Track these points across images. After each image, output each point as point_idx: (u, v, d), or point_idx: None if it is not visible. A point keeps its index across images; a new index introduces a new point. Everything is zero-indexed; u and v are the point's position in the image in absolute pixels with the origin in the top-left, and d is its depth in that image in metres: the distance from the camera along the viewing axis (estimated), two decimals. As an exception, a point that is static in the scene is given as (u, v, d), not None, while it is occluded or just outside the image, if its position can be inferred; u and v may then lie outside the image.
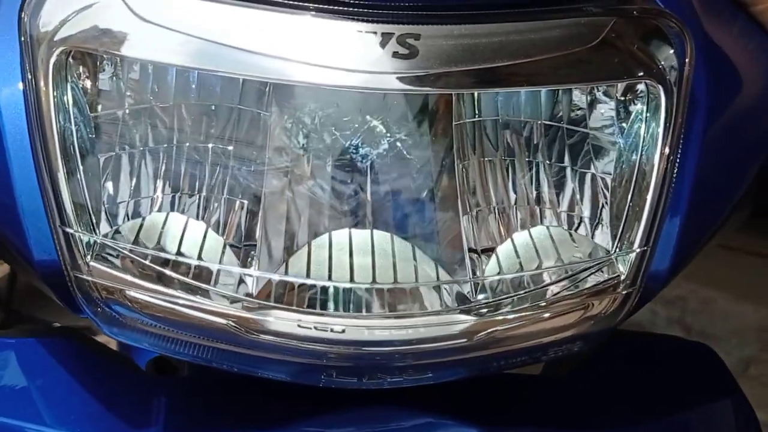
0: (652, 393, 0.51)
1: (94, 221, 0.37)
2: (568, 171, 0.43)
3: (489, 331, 0.36)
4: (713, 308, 2.98)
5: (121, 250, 0.36)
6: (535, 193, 0.43)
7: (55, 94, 0.36)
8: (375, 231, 0.40)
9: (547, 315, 0.37)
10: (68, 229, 0.36)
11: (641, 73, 0.39)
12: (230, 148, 0.41)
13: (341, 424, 0.41)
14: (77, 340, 0.49)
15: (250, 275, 0.37)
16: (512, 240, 0.40)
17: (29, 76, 0.36)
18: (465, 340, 0.36)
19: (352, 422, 0.42)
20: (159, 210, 0.40)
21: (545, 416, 0.47)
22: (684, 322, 3.00)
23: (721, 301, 2.97)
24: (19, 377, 0.46)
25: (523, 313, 0.37)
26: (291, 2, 0.34)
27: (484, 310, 0.37)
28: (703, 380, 0.55)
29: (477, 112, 0.44)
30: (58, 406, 0.44)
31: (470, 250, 0.39)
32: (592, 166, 0.42)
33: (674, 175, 0.39)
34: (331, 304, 0.37)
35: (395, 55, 0.34)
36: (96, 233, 0.36)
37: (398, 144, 0.41)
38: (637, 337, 0.58)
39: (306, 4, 0.34)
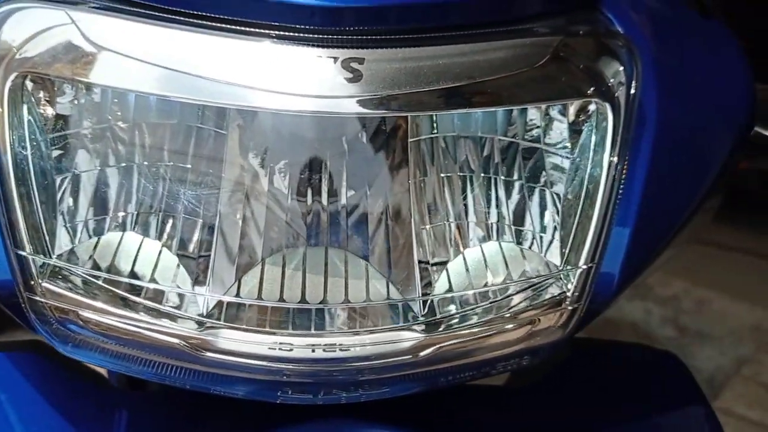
0: (617, 402, 0.52)
1: (48, 243, 0.37)
2: (524, 188, 0.43)
3: (436, 347, 0.37)
4: (708, 308, 2.99)
5: (74, 272, 0.37)
6: (490, 208, 0.43)
7: (9, 117, 0.37)
8: (330, 249, 0.41)
9: (493, 331, 0.38)
10: (21, 252, 0.36)
11: (589, 92, 0.39)
12: (188, 165, 0.42)
13: None
14: (44, 354, 0.50)
15: (202, 295, 0.38)
16: (463, 256, 0.41)
17: None
18: (411, 356, 0.37)
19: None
20: (117, 228, 0.41)
21: (508, 427, 0.48)
22: (678, 322, 3.01)
23: (715, 301, 2.98)
24: None
25: (470, 330, 0.37)
26: (232, 27, 0.34)
27: (431, 327, 0.37)
28: (670, 390, 0.55)
29: (434, 127, 0.44)
30: (22, 420, 0.44)
31: (422, 263, 0.40)
32: (546, 184, 0.42)
33: (620, 192, 0.39)
34: (283, 323, 0.37)
35: (349, 80, 0.35)
36: (50, 255, 0.37)
37: (354, 162, 0.42)
38: (603, 345, 0.59)
39: (247, 29, 0.34)
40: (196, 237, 0.41)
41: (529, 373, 0.55)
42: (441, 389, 0.51)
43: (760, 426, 2.34)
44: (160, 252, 0.40)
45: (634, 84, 0.40)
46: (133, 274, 0.38)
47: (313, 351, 0.36)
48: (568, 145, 0.41)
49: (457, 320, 0.38)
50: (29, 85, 0.38)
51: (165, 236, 0.41)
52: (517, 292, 0.38)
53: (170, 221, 0.41)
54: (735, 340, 2.86)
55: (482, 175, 0.44)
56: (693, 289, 3.03)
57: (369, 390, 0.38)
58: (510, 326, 0.38)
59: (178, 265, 0.39)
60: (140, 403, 0.48)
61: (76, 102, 0.40)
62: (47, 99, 0.39)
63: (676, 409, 0.53)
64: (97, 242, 0.40)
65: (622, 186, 0.39)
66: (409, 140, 0.43)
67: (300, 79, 0.35)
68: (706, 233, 3.75)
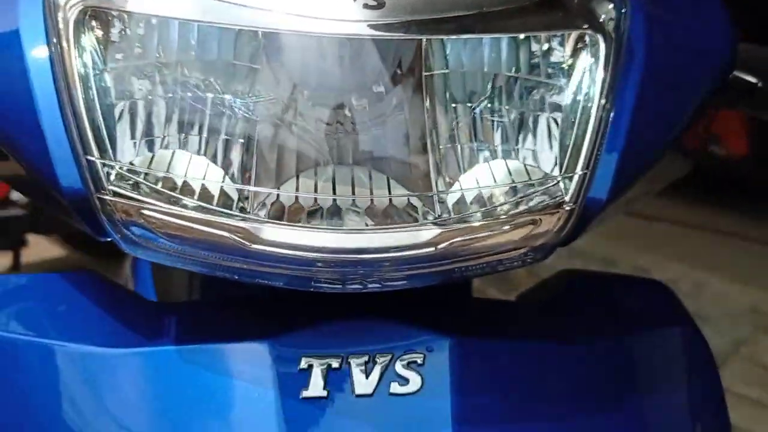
0: (609, 319, 0.57)
1: (112, 152, 0.43)
2: (527, 114, 0.49)
3: (450, 241, 0.42)
4: (706, 291, 3.04)
5: (136, 176, 0.43)
6: (497, 133, 0.49)
7: (75, 47, 0.43)
8: (355, 167, 0.47)
9: (502, 229, 0.43)
10: (91, 158, 0.42)
11: (585, 25, 0.45)
12: (227, 96, 0.47)
13: (332, 335, 0.47)
14: (97, 276, 0.55)
15: (249, 189, 0.43)
16: (474, 171, 0.46)
17: (53, 32, 0.43)
18: (428, 249, 0.42)
19: (342, 334, 0.48)
20: (167, 147, 0.46)
21: (515, 333, 0.53)
22: (677, 305, 3.07)
23: (714, 284, 3.03)
24: (47, 303, 0.52)
25: (480, 228, 0.43)
26: None
27: (446, 225, 0.43)
28: (657, 310, 0.61)
29: (447, 65, 0.50)
30: (80, 326, 0.50)
31: (437, 177, 0.45)
32: (546, 109, 0.48)
33: (611, 114, 0.45)
34: (316, 222, 0.43)
35: (365, 6, 0.41)
36: (115, 161, 0.42)
37: (376, 93, 0.47)
38: (600, 275, 0.65)
39: None
40: (237, 158, 0.46)
41: (534, 296, 0.61)
42: (458, 302, 0.57)
43: (758, 404, 2.39)
44: (207, 166, 0.45)
45: (623, 20, 0.46)
46: (186, 182, 0.43)
47: (342, 244, 0.41)
48: (567, 73, 0.47)
49: (469, 220, 0.43)
50: (88, 18, 0.44)
51: (210, 155, 0.46)
52: (523, 196, 0.44)
53: (214, 143, 0.46)
54: (733, 322, 2.92)
55: (489, 105, 0.49)
56: (691, 272, 3.09)
57: (389, 280, 0.44)
58: (515, 225, 0.43)
59: (224, 176, 0.45)
60: (186, 308, 0.53)
61: (124, 34, 0.45)
62: (101, 32, 0.45)
63: (663, 326, 0.59)
64: (152, 158, 0.45)
65: (613, 108, 0.45)
66: (424, 74, 0.48)
67: (329, 6, 0.41)
68: (705, 220, 3.81)
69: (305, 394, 0.46)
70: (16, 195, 2.39)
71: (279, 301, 0.51)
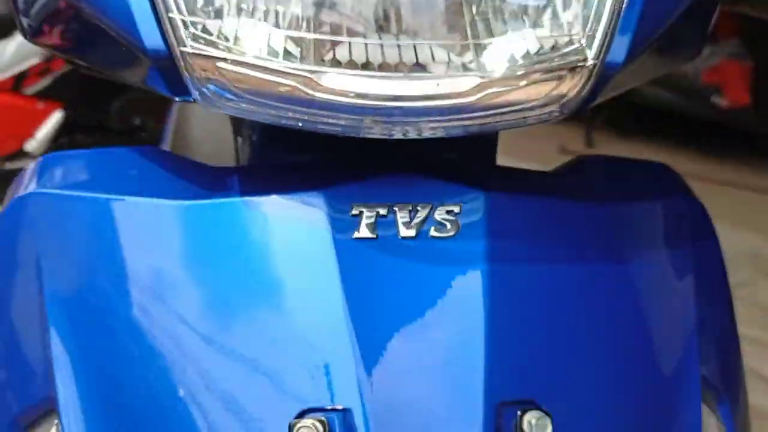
0: (620, 191, 0.63)
1: (189, 11, 0.48)
2: None
3: (488, 91, 0.47)
4: (706, 237, 3.12)
5: (211, 36, 0.47)
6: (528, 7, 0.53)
7: None
8: (400, 35, 0.52)
9: (532, 83, 0.48)
10: (173, 15, 0.47)
11: None
12: None
13: (379, 188, 0.53)
14: (161, 150, 0.61)
15: (310, 37, 0.48)
16: (508, 35, 0.51)
17: None
18: (470, 98, 0.47)
19: (388, 187, 0.53)
20: (234, 15, 0.51)
21: (540, 192, 0.58)
22: (679, 252, 3.14)
23: (716, 230, 3.11)
24: (118, 169, 0.58)
25: (513, 80, 0.48)
26: None
27: (484, 75, 0.48)
28: (663, 186, 0.67)
29: None
30: (150, 184, 0.55)
31: (473, 37, 0.50)
32: None
33: None
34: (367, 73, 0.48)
35: None
36: (195, 18, 0.47)
37: None
38: (611, 158, 0.71)
39: None
40: (297, 15, 0.50)
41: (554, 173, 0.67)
42: (490, 169, 0.62)
43: (756, 343, 2.48)
44: (270, 32, 0.50)
45: None
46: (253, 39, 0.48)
47: (391, 91, 0.46)
48: None
49: (503, 73, 0.48)
50: None
51: (273, 21, 0.50)
52: (550, 55, 0.49)
53: (274, 11, 0.51)
54: (733, 267, 2.99)
55: None
56: (692, 219, 3.16)
57: (431, 130, 0.49)
58: (544, 80, 0.48)
59: (286, 39, 0.50)
60: (246, 172, 0.59)
61: None
62: None
63: (668, 197, 0.65)
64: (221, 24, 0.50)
65: None
66: None
67: None
68: (706, 170, 3.84)
69: (356, 235, 0.52)
70: (29, 146, 2.45)
71: (329, 161, 0.57)
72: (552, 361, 0.52)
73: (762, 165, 3.83)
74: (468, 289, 0.51)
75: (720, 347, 0.64)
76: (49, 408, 0.52)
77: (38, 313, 0.53)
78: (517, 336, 0.51)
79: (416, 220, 0.52)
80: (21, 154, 2.47)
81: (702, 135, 4.14)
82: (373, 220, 0.52)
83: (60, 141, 2.41)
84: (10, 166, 2.46)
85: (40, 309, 0.53)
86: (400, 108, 0.48)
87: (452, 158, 0.60)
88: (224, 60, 0.47)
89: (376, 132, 0.49)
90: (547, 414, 0.48)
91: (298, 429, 0.46)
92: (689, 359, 0.58)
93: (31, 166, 0.61)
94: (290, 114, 0.48)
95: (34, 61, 2.36)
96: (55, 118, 2.43)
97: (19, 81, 2.35)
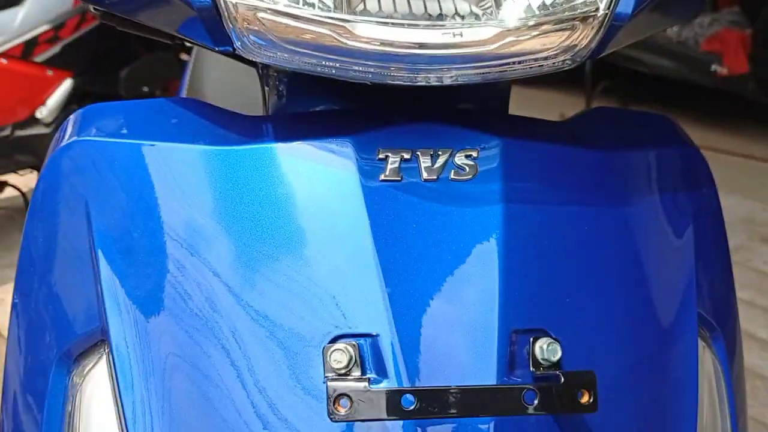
0: (623, 141, 0.67)
1: None
2: None
3: (507, 40, 0.51)
4: (704, 203, 3.17)
5: None
6: None
7: None
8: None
9: (547, 32, 0.52)
10: None
11: None
12: None
13: (403, 134, 0.57)
14: (197, 100, 0.64)
15: None
16: None
17: None
18: (488, 47, 0.52)
19: (411, 134, 0.57)
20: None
21: (551, 139, 0.62)
22: (677, 218, 3.19)
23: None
24: (159, 118, 0.62)
25: (530, 29, 0.52)
26: None
27: (503, 24, 0.52)
28: (665, 136, 0.71)
29: None
30: (190, 131, 0.60)
31: None
32: None
33: None
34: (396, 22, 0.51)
35: None
36: None
37: None
38: (618, 109, 0.75)
39: None
40: None
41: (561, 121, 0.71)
42: (504, 118, 0.66)
43: (750, 305, 2.54)
44: None
45: None
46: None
47: (418, 39, 0.50)
48: None
49: (520, 21, 0.52)
50: None
51: None
52: (564, 6, 0.53)
53: None
54: (729, 232, 3.05)
55: None
56: (691, 186, 3.21)
57: (452, 76, 0.53)
58: (559, 29, 0.52)
59: None
60: (280, 120, 0.63)
61: None
62: None
63: (668, 147, 0.69)
64: None
65: None
66: None
67: None
68: (705, 138, 3.89)
69: (382, 177, 0.56)
70: (40, 113, 2.49)
71: (355, 110, 0.61)
72: (561, 294, 0.56)
73: (758, 133, 3.88)
74: (485, 228, 0.56)
75: (716, 288, 0.69)
76: (99, 338, 0.57)
77: (88, 251, 0.58)
78: (529, 270, 0.56)
79: (437, 165, 0.57)
80: (32, 121, 2.50)
81: (701, 103, 4.17)
82: (397, 164, 0.56)
83: (70, 108, 2.45)
84: (21, 132, 2.50)
85: (90, 246, 0.58)
86: (424, 56, 0.52)
87: (469, 108, 0.65)
88: (265, 10, 0.51)
89: (402, 79, 0.53)
90: (556, 341, 0.52)
91: (332, 352, 0.50)
92: (688, 297, 0.63)
93: (72, 117, 0.65)
94: (324, 62, 0.52)
95: (43, 28, 2.39)
96: (66, 85, 2.46)
97: (28, 49, 2.38)
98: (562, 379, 0.49)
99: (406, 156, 0.57)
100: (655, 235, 0.64)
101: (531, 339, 0.53)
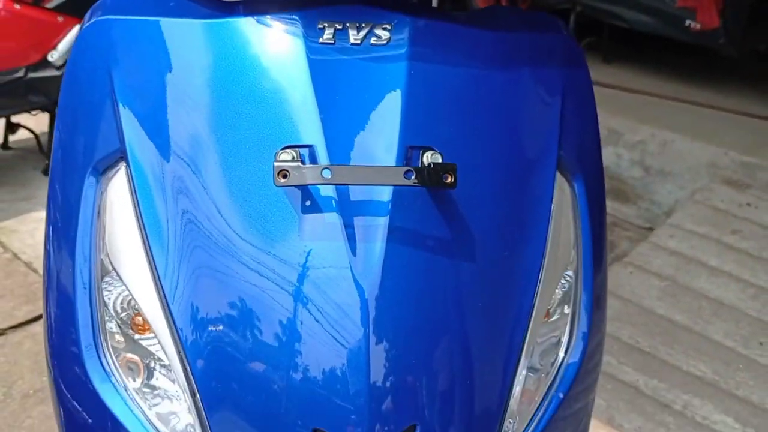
0: (510, 26, 0.88)
1: None
2: None
3: None
4: (670, 148, 3.38)
5: None
6: None
7: None
8: None
9: None
10: None
11: None
12: None
13: (337, 14, 0.79)
14: None
15: None
16: None
17: None
18: None
19: (343, 12, 0.79)
20: None
21: (458, 21, 0.83)
22: (644, 163, 3.41)
23: (678, 142, 3.37)
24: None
25: None
26: None
27: None
28: (548, 27, 0.93)
29: None
30: (184, 5, 0.81)
31: None
32: None
33: None
34: None
35: None
36: None
37: None
38: (516, 9, 0.97)
39: None
40: None
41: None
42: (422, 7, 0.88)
43: (704, 237, 2.75)
44: None
45: None
46: None
47: None
48: None
49: None
50: None
51: None
52: None
53: None
54: (694, 174, 3.27)
55: None
56: (659, 132, 3.42)
57: None
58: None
59: None
60: (248, 2, 0.85)
61: None
62: None
63: (549, 34, 0.91)
64: None
65: None
66: None
67: None
68: (674, 90, 4.08)
69: (320, 40, 0.77)
70: (51, 57, 2.70)
71: None
72: (447, 124, 0.78)
73: (725, 86, 4.08)
74: (393, 77, 0.78)
75: (580, 143, 0.90)
76: (120, 156, 0.80)
77: (110, 94, 0.80)
78: (425, 106, 0.77)
79: (362, 33, 0.79)
80: (44, 63, 2.72)
81: (671, 59, 4.37)
82: (332, 32, 0.78)
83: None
84: (34, 74, 2.71)
85: (111, 92, 0.80)
86: None
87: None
88: None
89: None
90: (439, 153, 0.74)
91: (281, 153, 0.72)
92: (550, 141, 0.84)
93: (95, 4, 0.87)
94: None
95: (54, -24, 2.60)
96: (75, 31, 2.67)
97: (40, -5, 2.60)
98: (433, 166, 0.71)
99: (339, 27, 0.78)
100: (528, 95, 0.85)
101: (420, 151, 0.75)
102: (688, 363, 2.24)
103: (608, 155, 3.46)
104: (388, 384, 0.69)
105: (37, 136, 3.10)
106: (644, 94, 3.87)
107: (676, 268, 2.62)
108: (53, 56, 2.67)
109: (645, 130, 3.36)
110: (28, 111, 2.85)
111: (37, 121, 3.18)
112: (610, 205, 3.36)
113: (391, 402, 0.69)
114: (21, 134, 3.15)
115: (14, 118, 3.05)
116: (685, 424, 2.02)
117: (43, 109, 2.89)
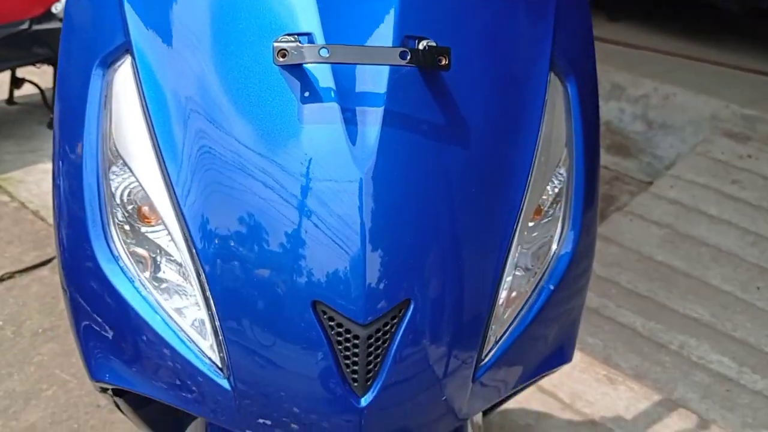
0: None
1: None
2: None
3: None
4: (672, 102, 3.38)
5: None
6: None
7: None
8: None
9: None
10: None
11: None
12: None
13: None
14: None
15: None
16: None
17: None
18: None
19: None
20: None
21: None
22: (647, 117, 3.41)
23: (679, 96, 3.37)
24: None
25: None
26: None
27: None
28: None
29: None
30: None
31: None
32: None
33: None
34: None
35: None
36: None
37: None
38: None
39: None
40: None
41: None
42: None
43: (704, 187, 2.78)
44: None
45: None
46: None
47: None
48: None
49: None
50: None
51: None
52: None
53: None
54: (696, 127, 3.28)
55: None
56: (661, 86, 3.42)
57: None
58: None
59: None
60: None
61: None
62: None
63: None
64: None
65: None
66: None
67: None
68: (676, 46, 4.07)
69: None
70: (55, 9, 2.71)
71: None
72: (444, 12, 0.79)
73: (725, 42, 4.07)
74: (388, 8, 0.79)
75: (573, 47, 0.92)
76: (126, 49, 0.82)
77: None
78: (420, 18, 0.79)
79: None
80: (48, 15, 2.73)
81: (670, 15, 4.35)
82: None
83: None
84: (38, 27, 2.73)
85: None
86: None
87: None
88: None
89: None
90: (435, 43, 0.76)
91: (280, 41, 0.74)
92: (544, 44, 0.86)
93: None
94: None
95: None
96: (77, -21, 2.68)
97: (43, -53, 2.61)
98: (428, 48, 0.73)
99: None
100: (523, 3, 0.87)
101: (417, 40, 0.77)
102: (686, 306, 2.28)
103: (611, 110, 3.47)
104: (383, 260, 0.71)
105: (42, 91, 3.12)
106: (648, 50, 3.87)
107: (675, 217, 2.65)
108: (57, 8, 2.69)
109: (647, 84, 3.37)
110: (32, 63, 2.87)
111: (41, 77, 3.21)
112: (611, 160, 3.38)
113: (386, 277, 0.72)
114: (26, 89, 3.18)
115: (19, 73, 3.08)
116: (680, 363, 2.06)
117: (47, 61, 2.91)
